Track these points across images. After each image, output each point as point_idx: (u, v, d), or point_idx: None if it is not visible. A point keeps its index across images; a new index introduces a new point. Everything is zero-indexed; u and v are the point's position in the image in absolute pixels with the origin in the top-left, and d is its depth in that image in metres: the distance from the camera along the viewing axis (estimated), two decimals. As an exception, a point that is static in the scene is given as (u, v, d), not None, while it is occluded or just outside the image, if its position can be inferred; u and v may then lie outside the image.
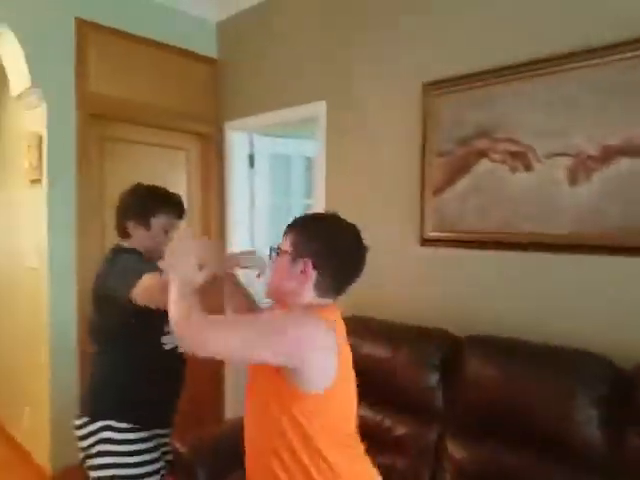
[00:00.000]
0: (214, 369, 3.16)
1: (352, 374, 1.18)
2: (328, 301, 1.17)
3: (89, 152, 2.66)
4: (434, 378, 1.80)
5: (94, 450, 1.48)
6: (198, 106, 3.11)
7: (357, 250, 1.20)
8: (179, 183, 3.10)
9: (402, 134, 2.23)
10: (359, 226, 1.24)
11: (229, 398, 3.23)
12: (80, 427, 1.51)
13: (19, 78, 2.55)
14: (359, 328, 2.07)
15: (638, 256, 1.59)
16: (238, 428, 1.27)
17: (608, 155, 1.63)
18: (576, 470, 1.43)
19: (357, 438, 1.20)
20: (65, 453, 2.49)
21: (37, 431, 2.69)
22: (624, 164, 1.60)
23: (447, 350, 1.84)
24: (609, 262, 1.66)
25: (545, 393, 1.53)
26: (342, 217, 1.23)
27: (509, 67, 1.86)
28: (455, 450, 1.67)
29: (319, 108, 2.58)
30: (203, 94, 3.14)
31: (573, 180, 1.71)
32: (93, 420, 1.48)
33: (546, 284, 1.81)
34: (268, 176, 3.26)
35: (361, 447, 1.21)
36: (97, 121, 2.69)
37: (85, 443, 1.50)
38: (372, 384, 1.85)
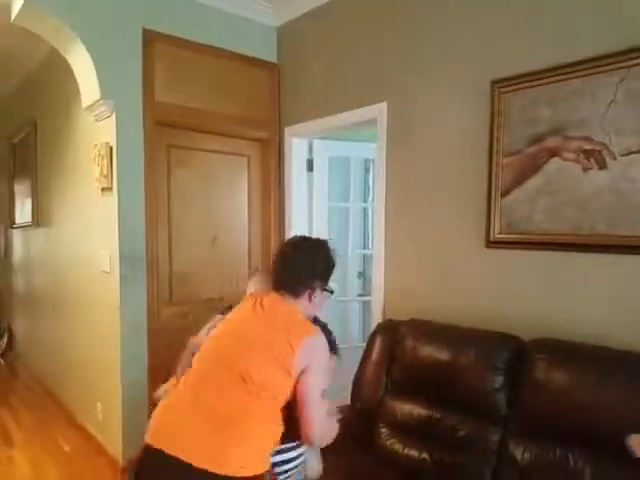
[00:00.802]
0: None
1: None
2: None
3: (156, 160, 2.84)
4: (498, 381, 1.82)
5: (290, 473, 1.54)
6: (259, 112, 3.24)
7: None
8: (241, 188, 3.25)
9: (469, 133, 2.24)
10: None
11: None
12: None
13: (90, 90, 2.72)
14: (420, 331, 2.13)
15: None
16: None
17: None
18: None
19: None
20: (135, 446, 2.66)
21: (109, 425, 2.92)
22: None
23: (512, 353, 1.85)
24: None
25: (612, 398, 1.52)
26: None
27: (583, 61, 1.83)
28: (517, 452, 1.70)
29: (380, 110, 2.63)
30: (264, 100, 3.26)
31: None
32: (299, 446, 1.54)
33: (618, 287, 1.77)
34: (327, 179, 3.35)
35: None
36: (163, 129, 2.86)
37: (287, 466, 1.52)
38: (436, 384, 1.89)
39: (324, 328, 1.56)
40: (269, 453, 1.38)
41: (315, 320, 1.58)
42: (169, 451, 1.27)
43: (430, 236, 2.42)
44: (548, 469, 1.61)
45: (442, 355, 1.97)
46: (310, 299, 1.52)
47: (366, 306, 3.49)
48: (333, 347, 1.56)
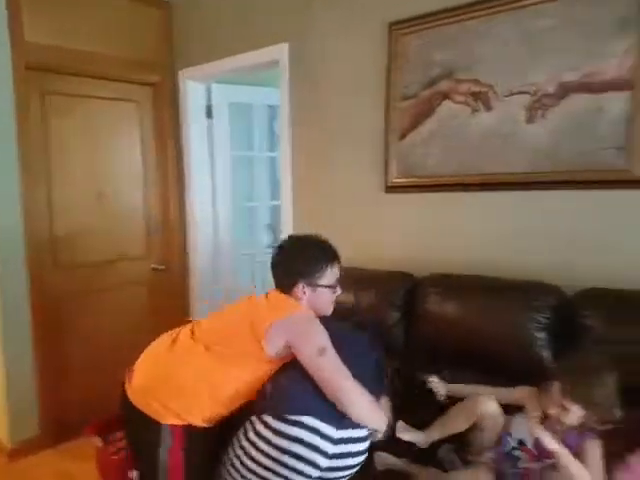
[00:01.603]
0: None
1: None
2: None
3: (29, 110, 2.58)
4: (396, 316, 1.98)
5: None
6: (149, 53, 3.03)
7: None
8: (131, 138, 3.06)
9: (369, 77, 2.26)
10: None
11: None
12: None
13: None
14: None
15: (589, 190, 1.74)
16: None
17: (564, 92, 1.74)
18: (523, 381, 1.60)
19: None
20: (22, 428, 2.65)
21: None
22: (578, 101, 1.72)
23: (407, 290, 2.00)
24: (562, 197, 1.81)
25: (500, 321, 1.72)
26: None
27: (475, 3, 1.89)
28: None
29: (281, 51, 2.57)
30: (154, 40, 3.06)
31: (530, 118, 1.81)
32: None
33: (505, 222, 1.96)
34: (227, 126, 3.25)
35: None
36: (37, 74, 2.59)
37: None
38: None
39: (377, 364, 1.59)
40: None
41: (366, 354, 1.59)
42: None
43: (335, 183, 2.47)
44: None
45: (347, 298, 2.07)
46: (300, 295, 1.61)
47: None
48: (380, 384, 1.59)
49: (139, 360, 1.61)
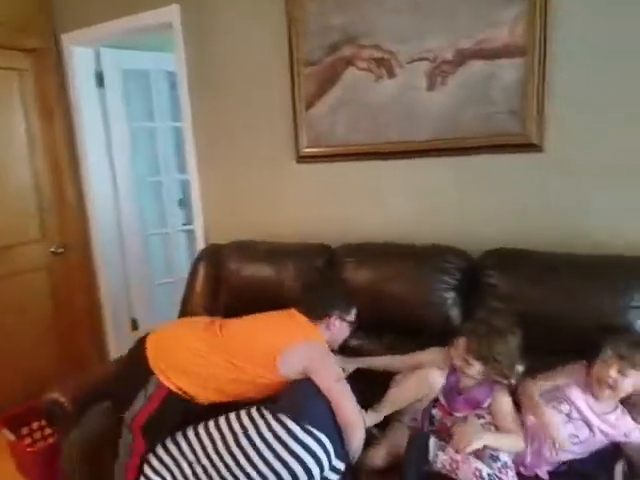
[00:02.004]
0: (90, 308, 3.10)
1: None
2: None
3: None
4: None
5: None
6: (24, 15, 2.70)
7: None
8: (12, 111, 2.75)
9: (270, 42, 2.18)
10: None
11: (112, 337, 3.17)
12: None
13: None
14: (242, 252, 2.17)
15: (491, 154, 1.83)
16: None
17: (462, 59, 1.78)
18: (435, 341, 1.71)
19: None
20: None
21: None
22: (474, 67, 1.77)
23: (324, 261, 2.01)
24: (464, 163, 1.88)
25: (412, 285, 1.80)
26: None
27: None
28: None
29: (172, 13, 2.39)
30: (30, 0, 2.72)
31: (431, 85, 1.85)
32: None
33: (413, 190, 2.01)
34: (121, 95, 3.00)
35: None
36: None
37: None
38: (263, 302, 1.94)
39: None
40: None
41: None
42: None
43: (245, 156, 2.39)
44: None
45: (265, 273, 2.05)
46: (331, 327, 1.68)
47: (192, 236, 3.40)
48: None
49: (168, 329, 1.69)
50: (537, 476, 1.42)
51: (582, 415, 1.41)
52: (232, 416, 1.45)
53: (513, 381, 1.47)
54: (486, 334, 1.48)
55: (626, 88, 1.61)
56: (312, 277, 1.95)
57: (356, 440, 1.43)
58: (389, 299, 1.82)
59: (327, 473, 1.38)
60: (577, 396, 1.43)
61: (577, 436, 1.41)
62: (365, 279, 1.87)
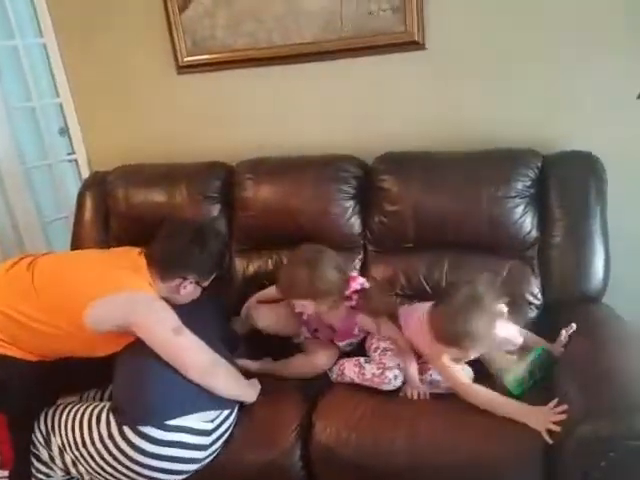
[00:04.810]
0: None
1: None
2: None
3: None
4: (216, 209, 1.95)
5: None
6: None
7: None
8: None
9: None
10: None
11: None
12: None
13: None
14: (129, 178, 2.07)
15: (373, 56, 1.82)
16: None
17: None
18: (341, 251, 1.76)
19: None
20: None
21: None
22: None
23: (222, 180, 1.97)
24: (349, 65, 1.86)
25: (313, 197, 1.82)
26: None
27: None
28: (240, 267, 1.93)
29: None
30: None
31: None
32: None
33: (305, 97, 1.98)
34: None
35: None
36: None
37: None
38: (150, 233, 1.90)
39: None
40: None
41: None
42: None
43: (122, 73, 2.20)
44: (269, 275, 1.83)
45: (156, 198, 1.98)
46: (180, 289, 1.50)
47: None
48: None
49: None
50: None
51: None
52: (98, 444, 1.31)
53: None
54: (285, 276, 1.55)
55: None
56: (185, 221, 1.74)
57: (220, 382, 1.37)
58: (293, 215, 1.83)
59: (213, 436, 1.36)
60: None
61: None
62: (267, 196, 1.86)
